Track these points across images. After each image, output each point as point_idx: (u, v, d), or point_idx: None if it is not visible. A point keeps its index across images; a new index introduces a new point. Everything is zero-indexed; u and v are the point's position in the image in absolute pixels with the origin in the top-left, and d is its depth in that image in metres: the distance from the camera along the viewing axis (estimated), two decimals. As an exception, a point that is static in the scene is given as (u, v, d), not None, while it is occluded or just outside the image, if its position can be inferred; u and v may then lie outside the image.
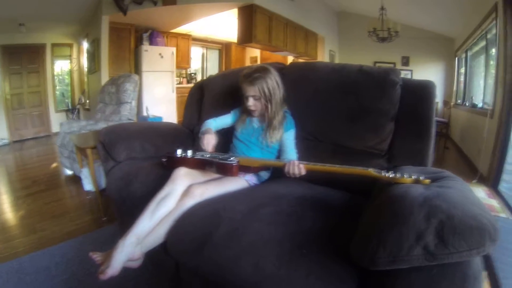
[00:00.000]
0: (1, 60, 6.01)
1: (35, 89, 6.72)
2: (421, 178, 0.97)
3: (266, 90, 1.48)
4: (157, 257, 1.28)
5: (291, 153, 1.50)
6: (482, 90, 4.78)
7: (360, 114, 1.46)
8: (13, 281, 1.65)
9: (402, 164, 1.34)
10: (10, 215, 2.65)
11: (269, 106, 1.51)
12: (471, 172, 3.88)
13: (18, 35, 5.80)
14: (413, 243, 0.73)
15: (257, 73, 1.49)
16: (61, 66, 7.35)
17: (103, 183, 2.53)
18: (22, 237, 2.19)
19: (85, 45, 6.51)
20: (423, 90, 1.39)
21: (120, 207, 1.69)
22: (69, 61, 7.34)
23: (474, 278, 0.74)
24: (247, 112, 1.62)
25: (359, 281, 0.85)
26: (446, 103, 6.22)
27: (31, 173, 3.93)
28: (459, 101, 6.35)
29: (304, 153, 1.52)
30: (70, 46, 7.19)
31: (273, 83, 1.51)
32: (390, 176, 1.01)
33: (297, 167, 1.21)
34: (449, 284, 0.74)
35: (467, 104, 5.53)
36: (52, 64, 6.91)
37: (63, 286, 1.60)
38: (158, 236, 1.22)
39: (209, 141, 1.47)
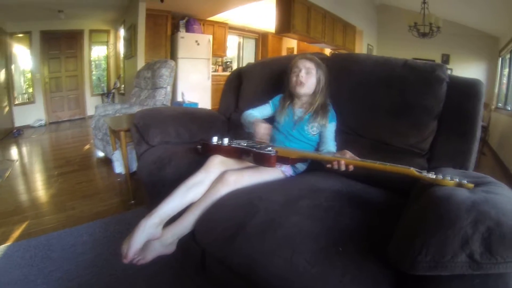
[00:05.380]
0: (40, 45, 6.28)
1: (73, 73, 6.99)
2: (464, 181, 0.91)
3: (320, 73, 1.55)
4: (184, 243, 1.27)
5: (331, 145, 1.48)
6: (527, 94, 4.50)
7: (403, 110, 1.40)
8: (40, 256, 1.70)
9: (443, 166, 1.28)
10: (42, 192, 2.77)
11: (318, 89, 1.54)
12: (507, 181, 3.64)
13: (57, 21, 6.01)
14: (458, 249, 0.69)
15: (315, 56, 1.59)
16: (98, 52, 7.60)
17: (134, 166, 2.58)
18: (52, 215, 2.27)
19: (122, 31, 6.68)
20: (471, 89, 1.31)
21: (151, 190, 1.70)
22: (106, 46, 7.58)
23: (516, 291, 0.69)
24: (290, 98, 1.61)
25: (395, 285, 0.81)
26: (486, 105, 5.89)
27: (64, 154, 4.09)
28: (500, 104, 6.02)
29: (343, 147, 1.43)
30: (107, 32, 7.41)
31: (325, 71, 1.58)
32: (433, 177, 0.95)
33: (343, 165, 1.16)
34: (491, 295, 0.69)
35: (509, 108, 5.26)
36: (90, 49, 7.16)
37: (88, 265, 1.64)
38: (188, 224, 1.21)
39: (266, 131, 1.46)
